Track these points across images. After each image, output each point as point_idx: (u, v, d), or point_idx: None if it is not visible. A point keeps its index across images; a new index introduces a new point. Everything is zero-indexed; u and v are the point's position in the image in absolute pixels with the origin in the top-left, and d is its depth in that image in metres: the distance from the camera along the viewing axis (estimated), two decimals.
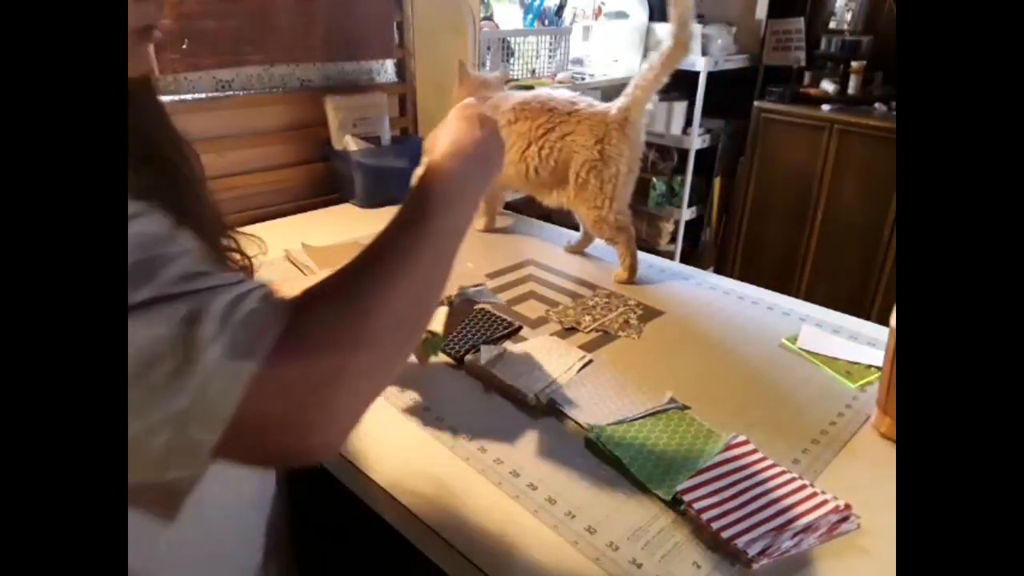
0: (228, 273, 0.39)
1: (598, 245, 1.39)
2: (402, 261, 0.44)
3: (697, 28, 2.53)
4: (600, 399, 0.82)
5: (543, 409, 0.81)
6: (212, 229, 0.51)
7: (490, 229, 1.43)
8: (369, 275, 0.42)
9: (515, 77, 2.13)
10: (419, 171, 0.53)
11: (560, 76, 2.26)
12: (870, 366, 0.91)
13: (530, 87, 2.10)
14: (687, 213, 2.78)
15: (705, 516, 0.63)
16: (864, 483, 0.70)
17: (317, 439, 0.39)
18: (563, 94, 1.25)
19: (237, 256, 0.55)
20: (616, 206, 1.18)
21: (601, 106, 1.19)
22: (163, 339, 0.33)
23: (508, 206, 1.53)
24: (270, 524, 0.62)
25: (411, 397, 0.83)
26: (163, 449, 0.33)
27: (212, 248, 0.50)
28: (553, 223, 1.57)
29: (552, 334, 0.99)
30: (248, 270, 0.55)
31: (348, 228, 1.42)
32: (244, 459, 0.39)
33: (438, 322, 0.82)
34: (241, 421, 0.34)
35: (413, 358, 0.82)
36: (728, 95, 2.64)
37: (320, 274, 0.53)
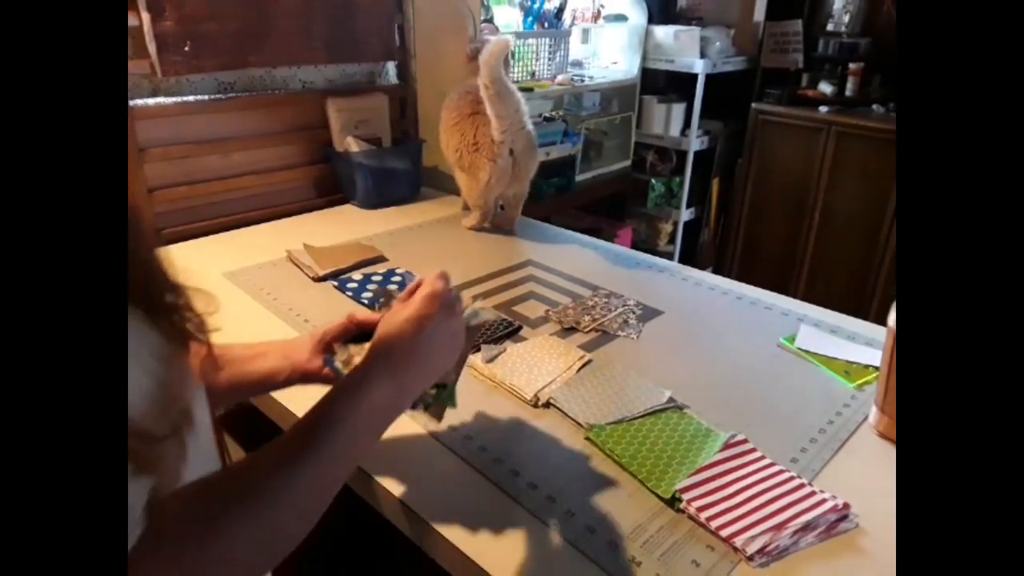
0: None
1: (599, 246, 1.39)
2: (278, 498, 0.42)
3: (696, 30, 2.54)
4: (600, 399, 0.82)
5: (543, 409, 0.81)
6: (152, 289, 0.46)
7: (481, 228, 1.45)
8: (241, 498, 0.41)
9: (515, 79, 2.13)
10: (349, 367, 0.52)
11: (559, 78, 2.26)
12: (868, 366, 0.92)
13: (529, 89, 2.11)
14: (686, 214, 2.78)
15: (704, 515, 0.63)
16: (862, 482, 0.70)
17: None
18: (476, 91, 1.34)
19: (188, 314, 0.49)
20: (481, 195, 1.39)
21: (493, 121, 1.31)
22: None
23: None
24: None
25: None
26: None
27: (155, 310, 0.45)
28: (553, 224, 1.57)
29: (552, 334, 0.99)
30: (201, 327, 0.50)
31: (349, 229, 1.43)
32: None
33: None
34: None
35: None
36: (726, 97, 2.65)
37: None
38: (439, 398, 0.66)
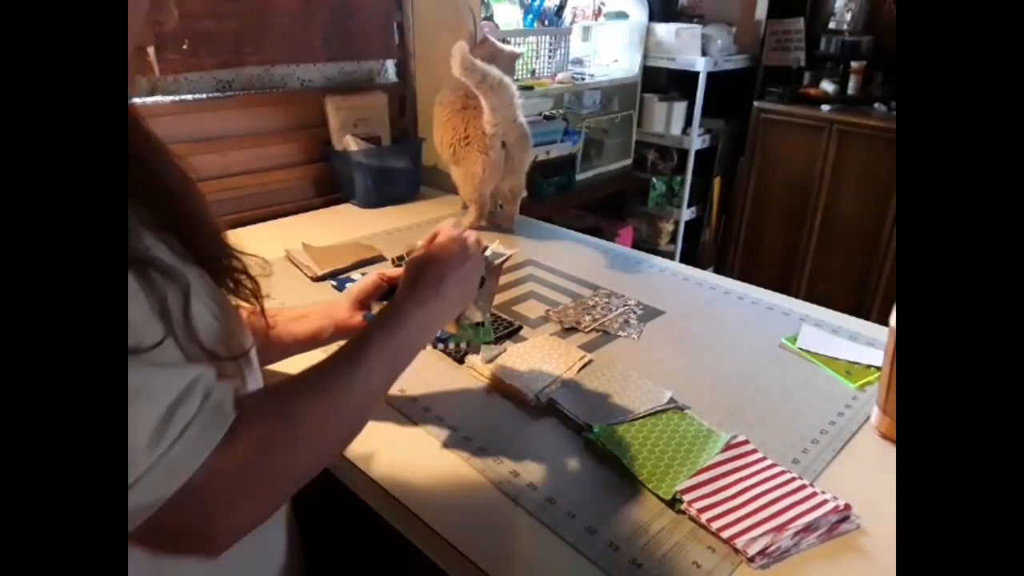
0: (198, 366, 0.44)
1: (600, 245, 1.39)
2: (345, 391, 0.52)
3: (697, 28, 2.53)
4: (600, 399, 0.82)
5: (543, 409, 0.81)
6: (214, 252, 0.54)
7: (480, 227, 1.44)
8: (312, 395, 0.50)
9: (516, 77, 2.12)
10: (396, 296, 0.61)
11: (560, 76, 2.26)
12: (869, 366, 0.91)
13: (530, 87, 2.10)
14: (687, 213, 2.78)
15: (705, 516, 0.63)
16: (864, 483, 0.70)
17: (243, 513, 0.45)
18: (469, 85, 1.33)
19: (243, 278, 0.56)
20: (475, 189, 1.39)
21: (487, 113, 1.30)
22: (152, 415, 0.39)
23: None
24: (289, 534, 0.64)
25: (411, 397, 0.83)
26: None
27: (216, 272, 0.53)
28: (553, 223, 1.57)
29: (552, 334, 0.99)
30: (255, 291, 0.58)
31: (348, 228, 1.42)
32: (165, 531, 0.42)
33: (476, 312, 0.77)
34: (190, 487, 0.40)
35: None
36: (728, 95, 2.64)
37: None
38: (478, 335, 0.76)
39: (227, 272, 0.55)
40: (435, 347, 0.81)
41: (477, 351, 0.78)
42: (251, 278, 0.58)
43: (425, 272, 0.63)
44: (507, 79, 1.28)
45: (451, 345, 0.78)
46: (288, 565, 0.63)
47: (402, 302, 0.60)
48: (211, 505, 0.42)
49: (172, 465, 0.39)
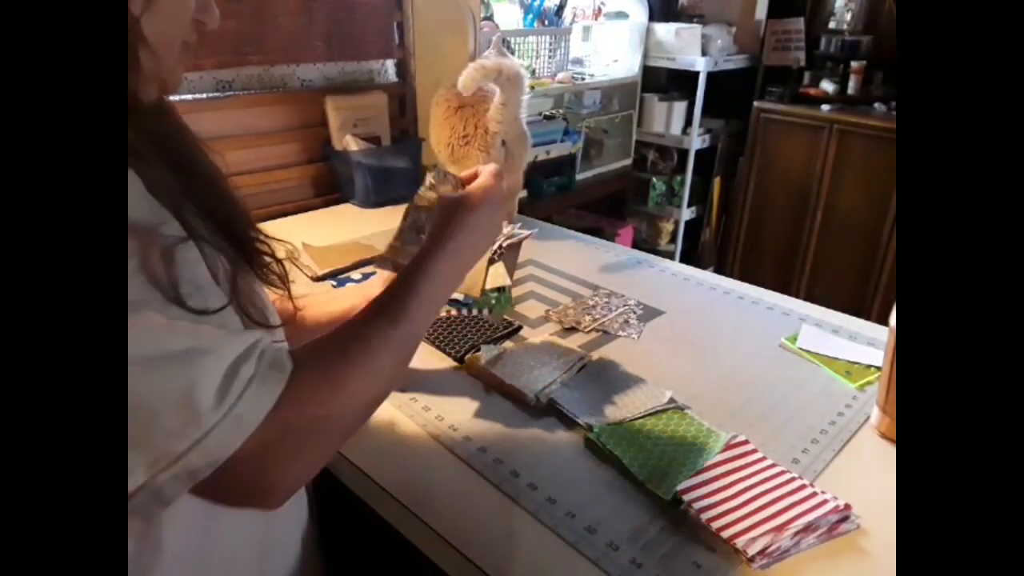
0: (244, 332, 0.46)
1: (600, 245, 1.39)
2: (381, 344, 0.52)
3: (697, 28, 2.53)
4: (600, 399, 0.82)
5: (543, 409, 0.81)
6: (246, 236, 0.56)
7: None
8: (353, 347, 0.51)
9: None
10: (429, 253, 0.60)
11: (560, 76, 2.26)
12: (870, 366, 0.91)
13: (530, 87, 2.10)
14: (687, 213, 2.78)
15: (705, 516, 0.63)
16: (863, 483, 0.70)
17: (293, 469, 0.46)
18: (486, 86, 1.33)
19: (268, 260, 0.59)
20: None
21: (495, 109, 1.29)
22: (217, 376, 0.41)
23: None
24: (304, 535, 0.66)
25: (411, 397, 0.83)
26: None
27: (246, 254, 0.55)
28: (553, 223, 1.57)
29: (552, 334, 0.99)
30: (282, 276, 0.60)
31: (348, 228, 1.42)
32: (227, 482, 0.42)
33: (499, 277, 0.80)
34: (254, 440, 0.41)
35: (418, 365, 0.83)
36: (728, 95, 2.64)
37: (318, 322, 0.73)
38: (499, 302, 0.79)
39: (256, 256, 0.57)
40: (459, 311, 0.85)
41: (498, 319, 0.82)
42: (279, 263, 0.60)
43: (459, 206, 0.62)
44: (523, 70, 1.26)
45: (474, 310, 0.81)
46: (307, 526, 0.66)
47: (429, 248, 0.59)
48: (272, 457, 0.43)
49: (239, 418, 0.40)
